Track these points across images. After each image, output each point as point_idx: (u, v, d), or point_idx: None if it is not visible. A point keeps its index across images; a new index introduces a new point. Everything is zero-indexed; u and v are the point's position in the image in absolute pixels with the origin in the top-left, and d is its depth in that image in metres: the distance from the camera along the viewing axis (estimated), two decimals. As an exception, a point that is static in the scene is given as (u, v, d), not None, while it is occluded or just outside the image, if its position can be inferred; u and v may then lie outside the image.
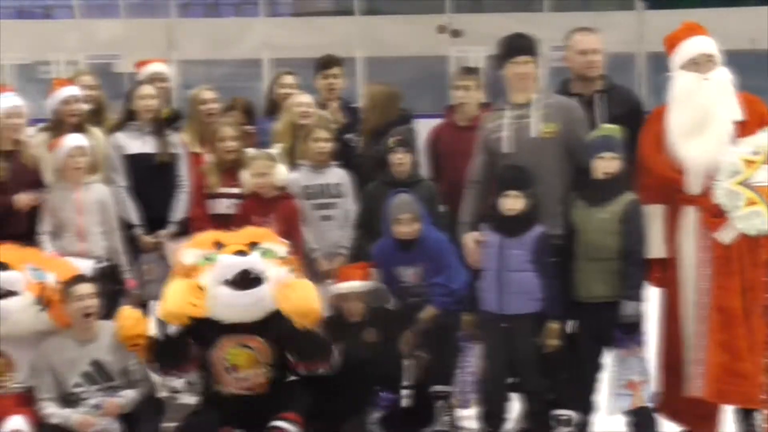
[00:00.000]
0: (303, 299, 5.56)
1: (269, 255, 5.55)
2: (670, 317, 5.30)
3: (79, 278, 5.61)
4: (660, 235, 5.30)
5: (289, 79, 7.21)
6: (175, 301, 5.51)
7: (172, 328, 5.64)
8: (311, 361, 5.58)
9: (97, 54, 19.19)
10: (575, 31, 5.76)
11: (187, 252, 5.69)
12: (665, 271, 5.31)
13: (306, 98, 6.90)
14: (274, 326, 5.55)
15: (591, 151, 5.24)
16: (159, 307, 5.80)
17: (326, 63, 7.12)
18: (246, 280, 5.41)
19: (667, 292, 5.31)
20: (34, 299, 5.50)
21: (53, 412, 5.36)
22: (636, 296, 5.19)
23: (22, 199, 6.08)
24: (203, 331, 5.53)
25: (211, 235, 5.76)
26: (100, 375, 5.49)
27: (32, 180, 6.32)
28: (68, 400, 5.46)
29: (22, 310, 5.49)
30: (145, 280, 6.54)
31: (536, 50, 5.41)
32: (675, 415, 5.36)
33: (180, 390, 6.47)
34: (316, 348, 5.61)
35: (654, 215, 5.31)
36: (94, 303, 5.47)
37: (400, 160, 6.28)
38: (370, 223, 6.36)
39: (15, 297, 5.44)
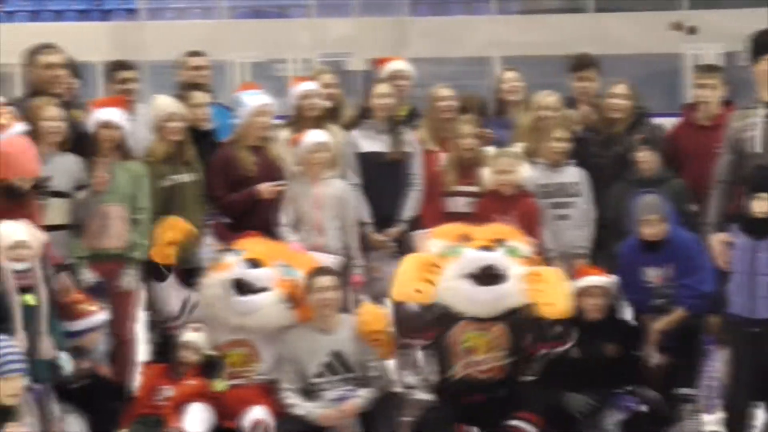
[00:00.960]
0: (554, 289, 5.55)
1: (514, 253, 5.60)
2: None
3: (322, 270, 5.75)
4: None
5: (509, 75, 7.15)
6: (401, 288, 5.62)
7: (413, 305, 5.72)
8: (548, 342, 5.56)
9: (329, 52, 19.50)
10: None
11: (432, 241, 5.80)
12: None
13: (550, 97, 6.83)
14: (513, 315, 5.56)
15: None
16: (391, 290, 5.84)
17: (581, 64, 7.04)
18: (489, 275, 5.46)
19: None
20: (283, 297, 5.67)
21: (295, 402, 5.51)
22: None
23: (265, 187, 6.27)
24: (443, 313, 5.61)
25: (457, 227, 5.83)
26: (339, 365, 5.60)
27: (278, 175, 6.46)
28: (308, 390, 5.62)
29: (271, 305, 5.66)
30: (374, 278, 6.63)
31: (791, 47, 5.29)
32: None
33: (415, 386, 6.45)
34: (554, 330, 5.57)
35: None
36: (334, 295, 5.61)
37: (643, 158, 6.20)
38: (616, 223, 6.29)
39: (266, 293, 5.64)
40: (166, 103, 6.42)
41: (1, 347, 4.80)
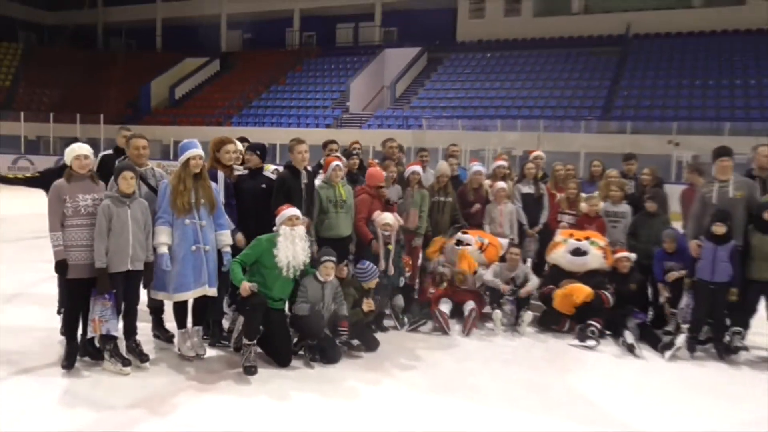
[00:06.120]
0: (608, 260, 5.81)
1: (595, 244, 6.03)
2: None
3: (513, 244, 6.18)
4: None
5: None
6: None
7: None
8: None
9: None
10: None
11: (558, 236, 6.24)
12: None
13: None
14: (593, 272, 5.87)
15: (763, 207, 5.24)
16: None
17: None
18: (578, 252, 5.98)
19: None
20: (477, 248, 6.10)
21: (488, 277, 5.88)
22: None
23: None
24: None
25: (570, 231, 6.30)
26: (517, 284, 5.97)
27: (481, 200, 6.58)
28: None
29: (472, 251, 6.06)
30: (527, 250, 6.74)
31: None
32: None
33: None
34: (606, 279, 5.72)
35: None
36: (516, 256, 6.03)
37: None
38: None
39: (469, 246, 6.08)
40: (445, 166, 6.59)
41: (369, 266, 5.24)
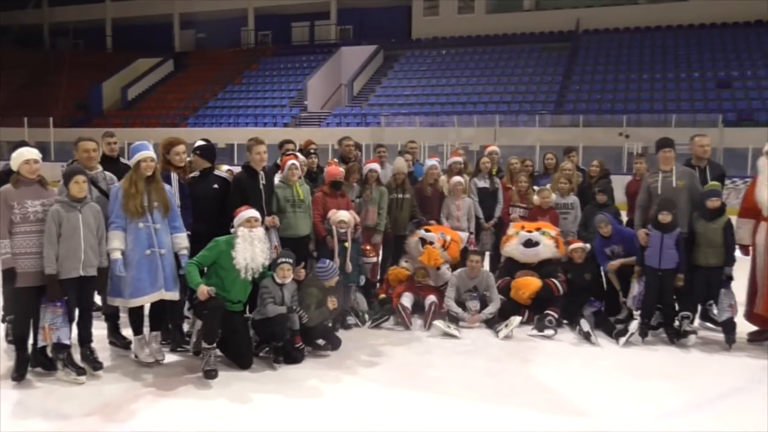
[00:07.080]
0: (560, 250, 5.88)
1: (546, 234, 6.09)
2: (752, 271, 5.45)
3: (475, 252, 6.05)
4: (749, 233, 5.48)
5: None
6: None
7: None
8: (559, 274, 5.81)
9: None
10: None
11: (510, 229, 6.29)
12: (750, 249, 5.52)
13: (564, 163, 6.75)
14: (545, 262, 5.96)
15: (706, 195, 5.41)
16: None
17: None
18: (529, 243, 6.01)
19: (752, 258, 5.47)
20: (440, 246, 6.09)
21: (451, 304, 5.82)
22: (731, 264, 5.33)
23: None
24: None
25: (521, 223, 6.36)
26: (475, 291, 5.88)
27: (440, 195, 6.54)
28: (461, 300, 5.83)
29: (437, 249, 5.96)
30: (484, 243, 6.78)
31: None
32: (752, 320, 5.49)
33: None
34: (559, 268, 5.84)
35: (748, 223, 5.48)
36: (479, 263, 5.88)
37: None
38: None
39: (433, 244, 6.06)
40: (401, 163, 6.58)
41: (329, 265, 5.18)
